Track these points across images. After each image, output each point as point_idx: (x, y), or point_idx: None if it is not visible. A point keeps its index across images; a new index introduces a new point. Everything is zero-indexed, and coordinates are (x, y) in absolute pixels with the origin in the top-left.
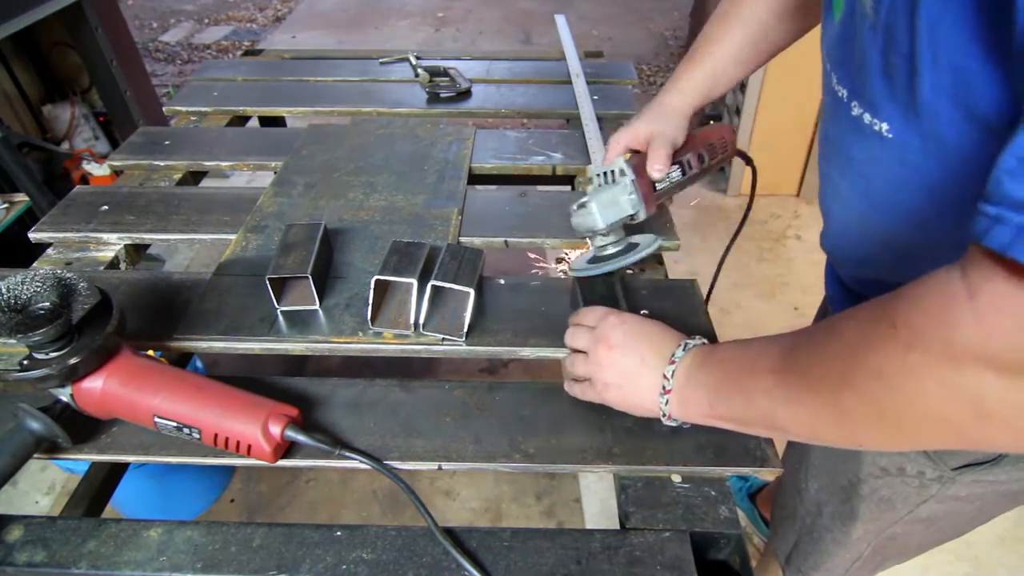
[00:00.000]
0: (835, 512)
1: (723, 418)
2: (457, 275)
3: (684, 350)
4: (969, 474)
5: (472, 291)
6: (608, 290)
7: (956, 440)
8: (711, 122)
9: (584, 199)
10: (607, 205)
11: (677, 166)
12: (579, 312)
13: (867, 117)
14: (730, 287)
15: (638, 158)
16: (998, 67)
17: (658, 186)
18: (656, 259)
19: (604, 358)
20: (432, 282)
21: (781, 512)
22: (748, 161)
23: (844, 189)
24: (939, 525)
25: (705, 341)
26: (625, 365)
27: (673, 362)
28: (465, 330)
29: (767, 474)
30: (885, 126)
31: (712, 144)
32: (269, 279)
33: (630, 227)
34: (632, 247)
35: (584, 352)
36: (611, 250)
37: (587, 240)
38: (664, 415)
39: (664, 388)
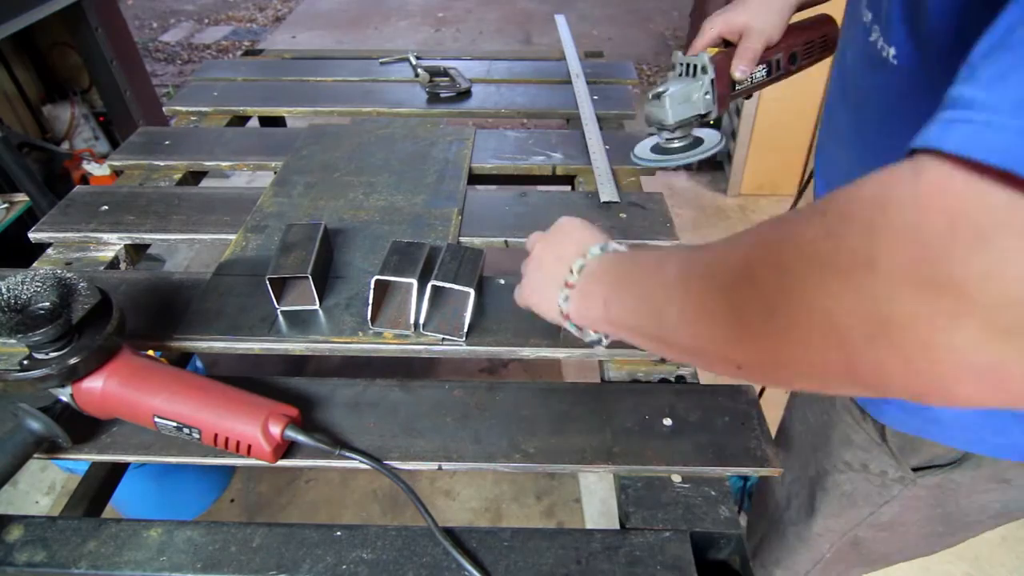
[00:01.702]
0: (801, 504)
1: (616, 323)
2: (457, 275)
3: (602, 249)
4: (930, 476)
5: (472, 291)
6: None
7: (840, 365)
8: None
9: (660, 89)
10: (680, 101)
11: (764, 65)
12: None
13: (880, 42)
14: None
15: (723, 55)
16: None
17: (738, 86)
18: None
19: (531, 257)
20: (432, 282)
21: (757, 506)
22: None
23: (843, 125)
24: (903, 535)
25: (625, 244)
26: (541, 260)
27: (584, 257)
28: (465, 330)
29: (767, 474)
30: (892, 51)
31: (811, 43)
32: (269, 279)
33: None
34: (697, 142)
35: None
36: (676, 144)
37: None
38: (563, 313)
39: (567, 282)
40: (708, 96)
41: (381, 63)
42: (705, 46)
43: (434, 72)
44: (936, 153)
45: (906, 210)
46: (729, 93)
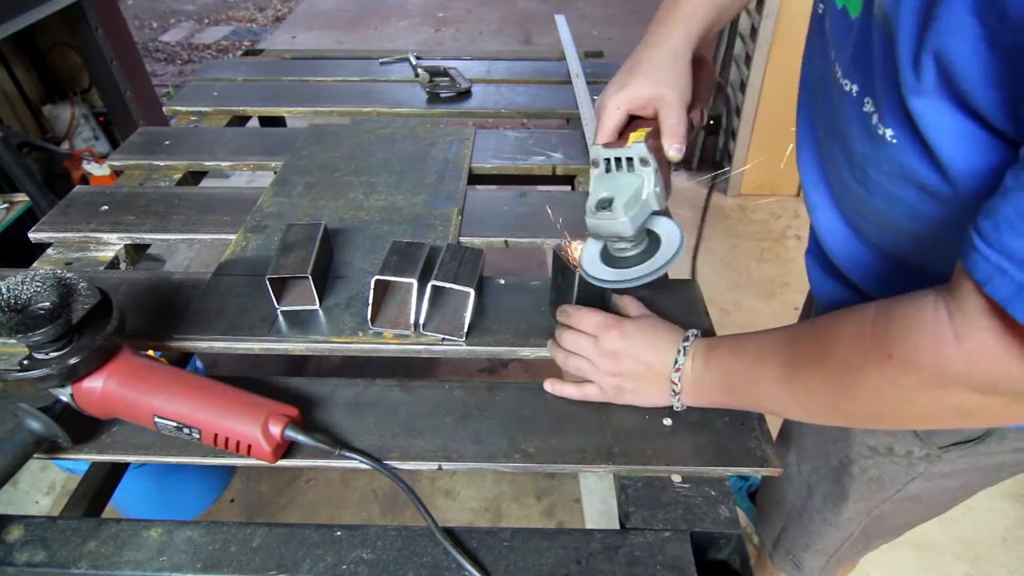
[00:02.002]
0: (826, 492)
1: (731, 406)
2: (457, 275)
3: (684, 354)
4: (955, 451)
5: (472, 291)
6: (600, 290)
7: (941, 427)
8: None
9: (604, 195)
10: (632, 204)
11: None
12: (573, 314)
13: (875, 119)
14: (730, 287)
15: (652, 138)
16: (1003, 103)
17: (672, 165)
18: None
19: (610, 368)
20: (432, 282)
21: (768, 499)
22: (720, 88)
23: (845, 173)
24: (926, 503)
25: (699, 333)
26: (633, 373)
27: (678, 369)
28: (465, 330)
29: (767, 474)
30: (890, 132)
31: (707, 91)
32: (269, 279)
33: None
34: (654, 242)
35: (589, 361)
36: (631, 251)
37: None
38: (678, 407)
39: (674, 391)
40: (658, 189)
41: (381, 63)
42: (615, 131)
43: (434, 72)
44: (985, 303)
45: (960, 361)
46: (669, 176)
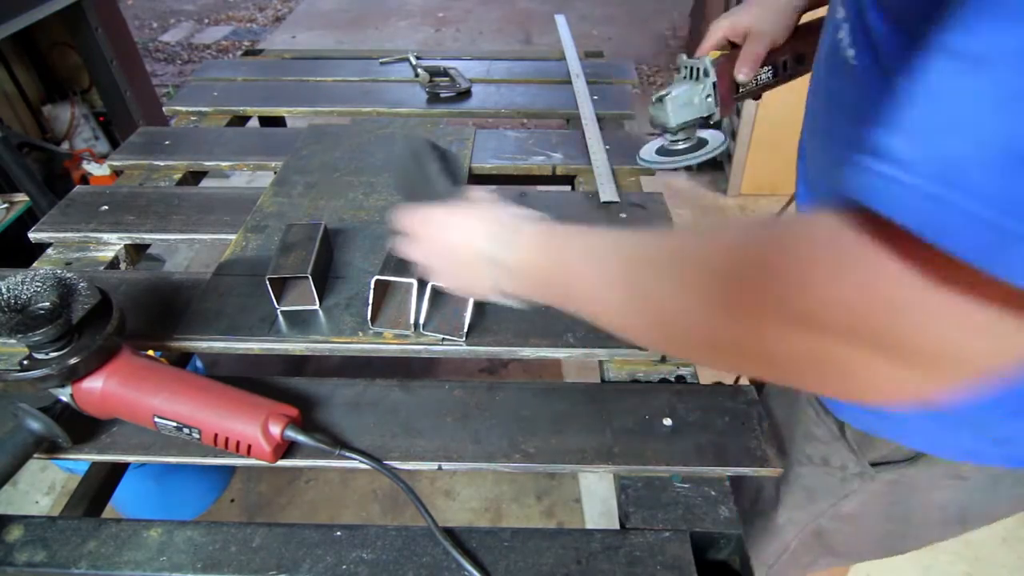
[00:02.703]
0: (768, 496)
1: (556, 304)
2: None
3: (515, 233)
4: (887, 472)
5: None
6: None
7: (799, 382)
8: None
9: (663, 92)
10: (682, 104)
11: (770, 67)
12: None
13: (845, 42)
14: None
15: (726, 58)
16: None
17: (741, 88)
18: None
19: (430, 245)
20: (432, 283)
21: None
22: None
23: (821, 123)
24: (865, 530)
25: (543, 216)
26: (451, 248)
27: (509, 242)
28: (465, 330)
29: (767, 474)
30: (852, 52)
31: (805, 47)
32: (269, 279)
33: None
34: (700, 144)
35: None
36: (680, 145)
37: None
38: (502, 293)
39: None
40: (710, 99)
41: (381, 63)
42: (710, 49)
43: (434, 72)
44: (852, 205)
45: (829, 278)
46: (732, 95)
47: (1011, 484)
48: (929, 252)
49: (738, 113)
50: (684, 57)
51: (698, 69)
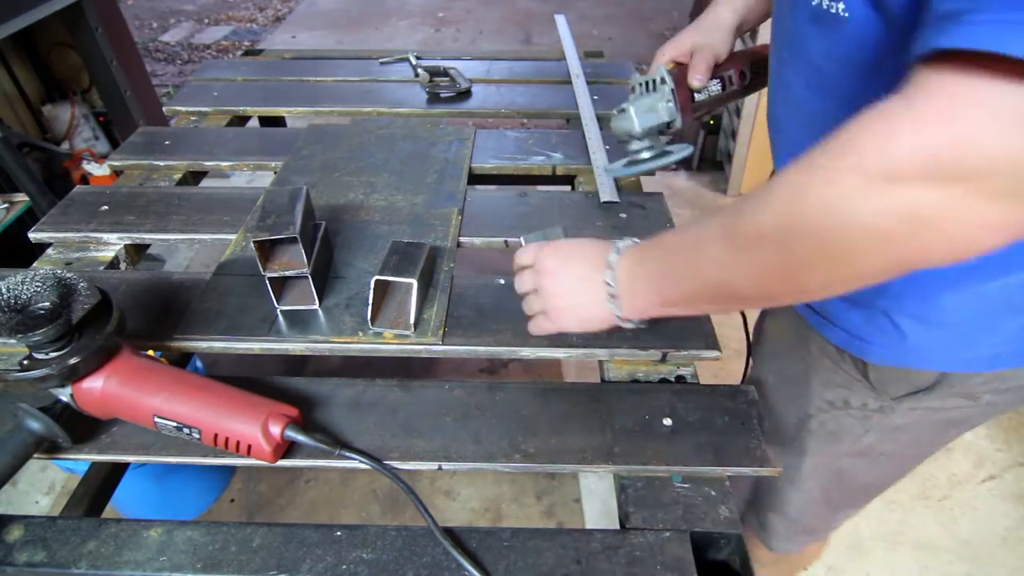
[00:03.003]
0: (787, 449)
1: (676, 303)
2: (398, 268)
3: (617, 253)
4: (907, 402)
5: (415, 281)
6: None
7: (897, 261)
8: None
9: (624, 105)
10: (645, 111)
11: (717, 80)
12: (515, 256)
13: (826, 2)
14: None
15: (680, 69)
16: None
17: (697, 96)
18: None
19: (548, 286)
20: (376, 277)
21: None
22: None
23: (798, 88)
24: (880, 461)
25: (637, 240)
26: (567, 286)
27: (611, 267)
28: (412, 321)
29: (767, 474)
30: (842, 6)
31: (757, 62)
32: (269, 278)
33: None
34: (666, 153)
35: (534, 290)
36: (645, 155)
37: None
38: (620, 319)
39: (610, 295)
40: (670, 104)
41: (381, 63)
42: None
43: (434, 72)
44: (923, 62)
45: (910, 129)
46: (690, 102)
47: (1013, 392)
48: (1003, 71)
49: (738, 113)
50: (636, 75)
51: (653, 81)
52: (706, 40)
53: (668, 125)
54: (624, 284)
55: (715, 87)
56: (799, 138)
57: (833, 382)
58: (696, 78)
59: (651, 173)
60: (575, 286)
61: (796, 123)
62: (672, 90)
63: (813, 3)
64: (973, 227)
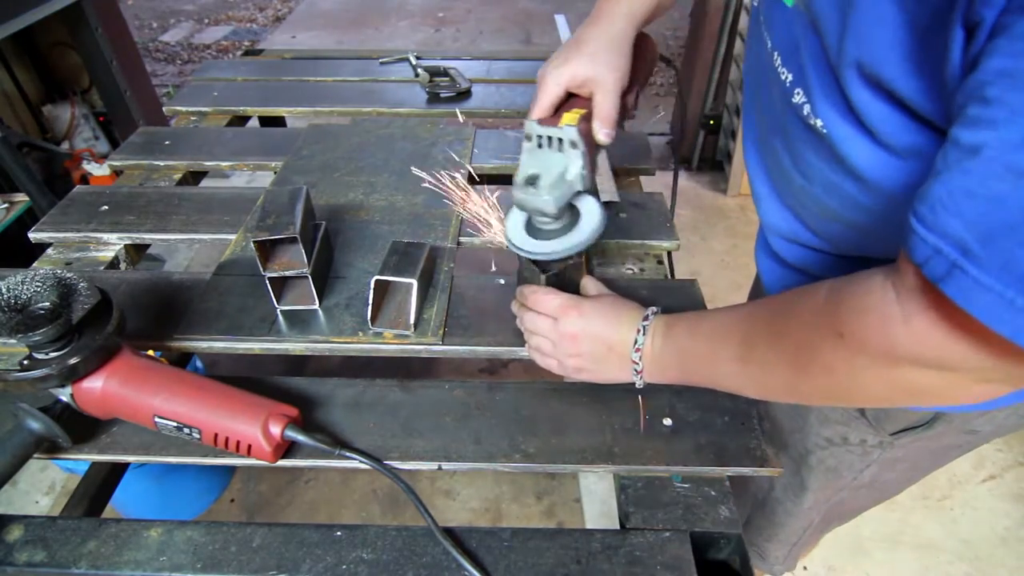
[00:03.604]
0: (787, 484)
1: (693, 381)
2: (398, 269)
3: (643, 334)
4: (907, 437)
5: (415, 282)
6: (561, 271)
7: (889, 404)
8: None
9: (532, 172)
10: (558, 184)
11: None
12: (530, 296)
13: (807, 110)
14: (730, 287)
15: (583, 121)
16: (927, 90)
17: (600, 148)
18: (657, 259)
19: (570, 349)
20: (376, 277)
21: (735, 491)
22: (668, 62)
23: (786, 162)
24: (880, 487)
25: (657, 310)
26: (590, 354)
27: (638, 349)
28: (412, 321)
29: (766, 474)
30: (820, 122)
31: (646, 71)
32: (269, 278)
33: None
34: (574, 219)
35: (550, 342)
36: (553, 226)
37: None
38: (639, 386)
39: (636, 370)
40: (584, 172)
41: (381, 63)
42: (551, 107)
43: (434, 72)
44: (929, 285)
45: (909, 341)
46: (595, 159)
47: (1016, 418)
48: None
49: (738, 113)
50: (535, 124)
51: (560, 140)
52: (609, 75)
53: (579, 193)
54: (648, 361)
55: (621, 122)
56: (792, 204)
57: (830, 419)
58: (604, 133)
59: (679, 167)
60: (599, 356)
61: (789, 193)
62: (584, 153)
63: (794, 101)
64: (967, 397)
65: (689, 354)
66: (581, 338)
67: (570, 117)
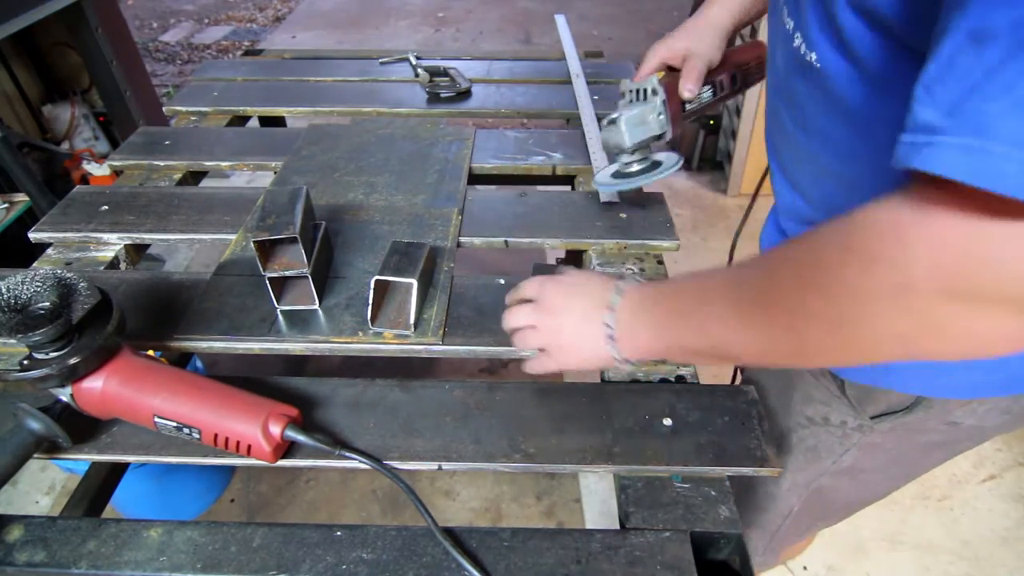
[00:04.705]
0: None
1: (675, 352)
2: (398, 268)
3: (618, 294)
4: (886, 421)
5: (415, 282)
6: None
7: (904, 352)
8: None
9: (614, 115)
10: (635, 124)
11: (709, 87)
12: (516, 288)
13: (803, 48)
14: None
15: (670, 77)
16: (905, 8)
17: (688, 106)
18: (656, 259)
19: (550, 324)
20: (376, 277)
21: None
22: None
23: (788, 124)
24: (862, 479)
25: (640, 280)
26: (569, 324)
27: (612, 309)
28: (412, 321)
29: (767, 474)
30: (814, 55)
31: (747, 64)
32: (269, 278)
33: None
34: (655, 165)
35: (533, 326)
36: (635, 167)
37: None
38: (618, 360)
39: (610, 336)
40: (662, 117)
41: (381, 63)
42: (650, 72)
43: (434, 72)
44: (938, 180)
45: (925, 247)
46: (680, 113)
47: (997, 413)
48: (995, 203)
49: (738, 112)
50: (627, 81)
51: (645, 90)
52: (699, 47)
53: (658, 137)
54: (624, 327)
55: (706, 94)
56: (792, 169)
57: (813, 398)
58: (688, 88)
59: (679, 168)
60: (577, 325)
61: (790, 156)
62: (664, 101)
63: (793, 45)
64: (989, 338)
65: (672, 301)
66: (560, 310)
67: (658, 74)
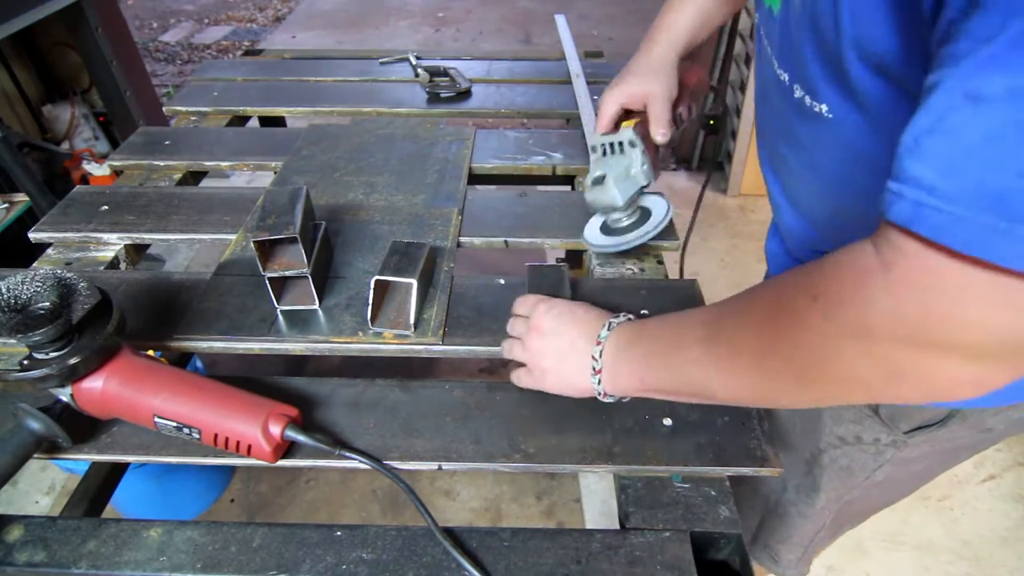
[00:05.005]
0: (799, 485)
1: (654, 390)
2: (398, 268)
3: (609, 329)
4: (920, 435)
5: (415, 282)
6: (555, 280)
7: (867, 397)
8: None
9: (598, 174)
10: (622, 179)
11: (672, 122)
12: (516, 301)
13: (808, 100)
14: (730, 287)
15: (640, 125)
16: (915, 50)
17: (660, 149)
18: (656, 259)
19: (536, 345)
20: (376, 277)
21: (744, 495)
22: (715, 91)
23: (793, 162)
24: (891, 487)
25: (631, 317)
26: (556, 349)
27: (599, 343)
28: (412, 321)
29: (767, 474)
30: (824, 107)
31: (695, 90)
32: (268, 278)
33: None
34: (645, 215)
35: (520, 341)
36: (625, 221)
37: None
38: (599, 393)
39: (594, 368)
40: (645, 167)
41: (381, 63)
42: (610, 120)
43: (434, 72)
44: (903, 231)
45: (886, 296)
46: (656, 157)
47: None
48: (981, 264)
49: (737, 113)
50: (597, 135)
51: (620, 143)
52: (658, 88)
53: (644, 188)
54: (608, 363)
55: (673, 131)
56: (800, 199)
57: (844, 418)
58: (660, 133)
59: (680, 168)
60: (562, 352)
61: (797, 188)
62: (643, 151)
63: (795, 96)
64: (948, 384)
65: (652, 342)
66: (547, 333)
67: (628, 124)
